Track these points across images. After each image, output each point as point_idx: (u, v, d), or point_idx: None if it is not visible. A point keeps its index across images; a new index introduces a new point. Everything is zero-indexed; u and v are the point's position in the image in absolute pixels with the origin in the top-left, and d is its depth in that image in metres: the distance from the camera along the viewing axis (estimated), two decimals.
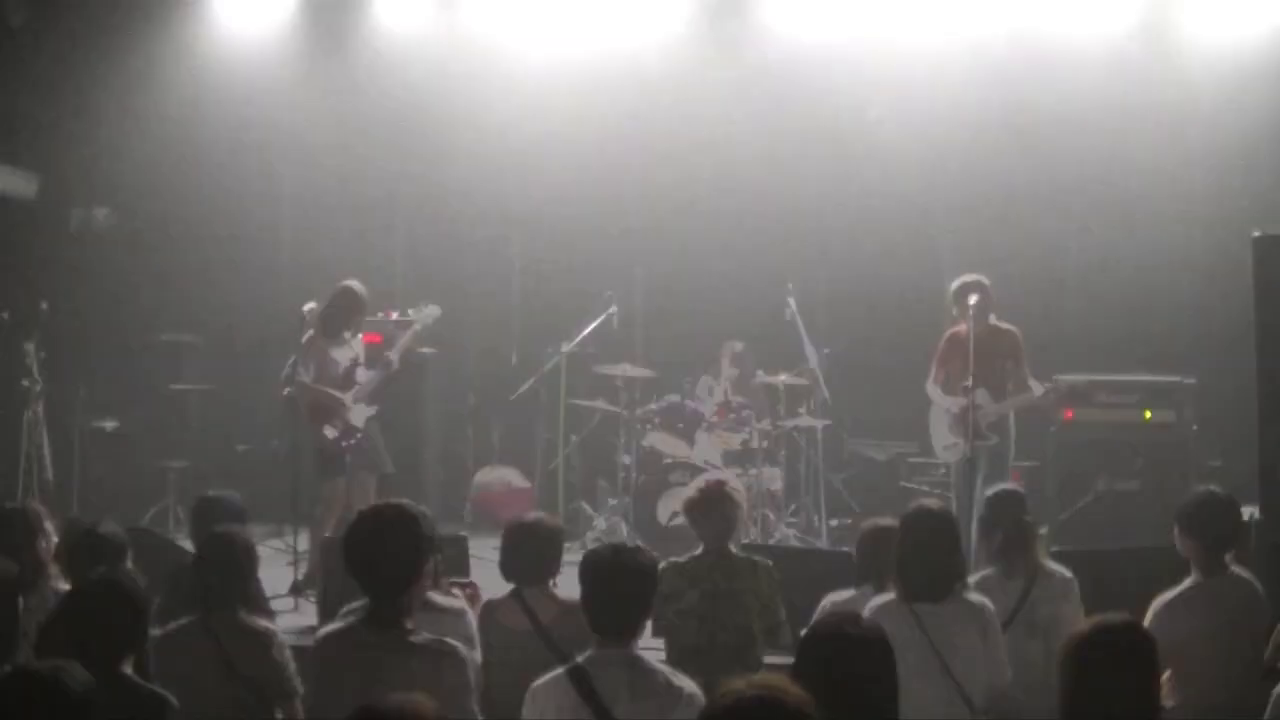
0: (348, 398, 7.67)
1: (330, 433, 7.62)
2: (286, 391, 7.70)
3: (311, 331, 7.67)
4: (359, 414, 7.72)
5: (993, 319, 7.55)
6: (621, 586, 3.72)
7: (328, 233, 10.52)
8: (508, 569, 4.91)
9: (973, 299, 7.38)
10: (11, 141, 9.68)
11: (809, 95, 10.06)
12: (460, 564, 6.28)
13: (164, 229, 10.39)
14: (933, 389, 7.81)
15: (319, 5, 10.28)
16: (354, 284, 7.81)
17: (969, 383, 7.17)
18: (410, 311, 8.37)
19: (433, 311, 8.22)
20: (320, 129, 10.36)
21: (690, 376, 9.51)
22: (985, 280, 7.59)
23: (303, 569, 7.38)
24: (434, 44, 10.35)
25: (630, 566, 3.77)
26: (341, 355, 7.75)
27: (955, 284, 7.71)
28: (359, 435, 7.70)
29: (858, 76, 9.83)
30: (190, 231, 10.36)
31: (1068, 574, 5.06)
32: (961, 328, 7.53)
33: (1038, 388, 7.60)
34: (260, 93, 10.13)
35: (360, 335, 7.97)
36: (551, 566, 4.94)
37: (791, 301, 8.96)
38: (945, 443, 7.76)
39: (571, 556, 4.95)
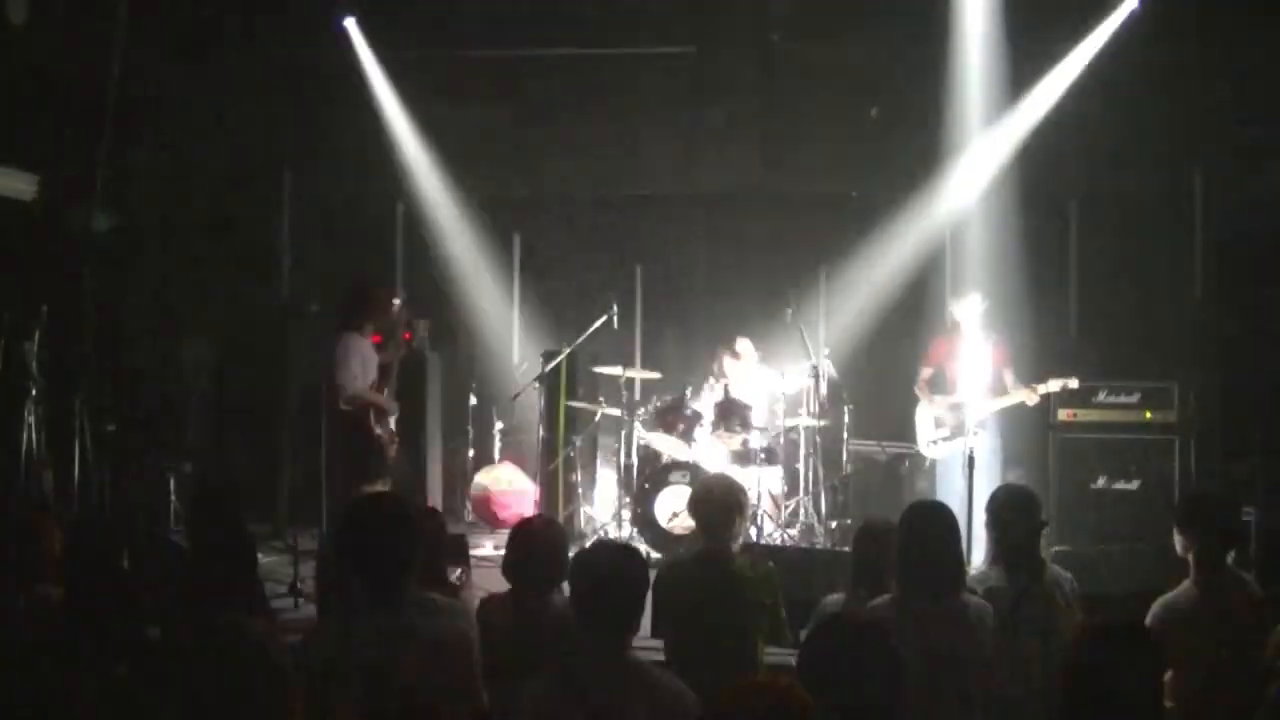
0: (392, 402, 7.63)
1: (383, 434, 7.54)
2: (346, 403, 7.43)
3: (350, 334, 7.50)
4: (394, 417, 7.70)
5: (982, 328, 8.26)
6: (611, 587, 3.67)
7: (328, 233, 10.53)
8: (512, 571, 4.89)
9: (981, 307, 8.21)
10: (11, 141, 9.67)
11: (811, 93, 10.10)
12: (458, 564, 6.26)
13: (164, 229, 10.40)
14: (921, 389, 8.39)
15: (318, 4, 10.30)
16: (365, 279, 7.72)
17: (966, 384, 7.60)
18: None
19: (400, 305, 8.03)
20: (320, 128, 10.38)
21: (692, 380, 9.48)
22: (978, 294, 8.33)
23: (303, 569, 7.36)
24: (435, 44, 10.38)
25: (620, 567, 3.72)
26: (373, 357, 7.64)
27: (961, 299, 8.42)
28: (396, 437, 7.67)
29: (860, 75, 9.88)
30: (190, 232, 10.37)
31: (1066, 574, 5.06)
32: (955, 334, 8.31)
33: (1021, 391, 8.10)
34: (262, 92, 10.14)
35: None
36: (557, 570, 4.92)
37: (792, 302, 8.95)
38: (930, 438, 8.25)
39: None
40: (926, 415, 8.38)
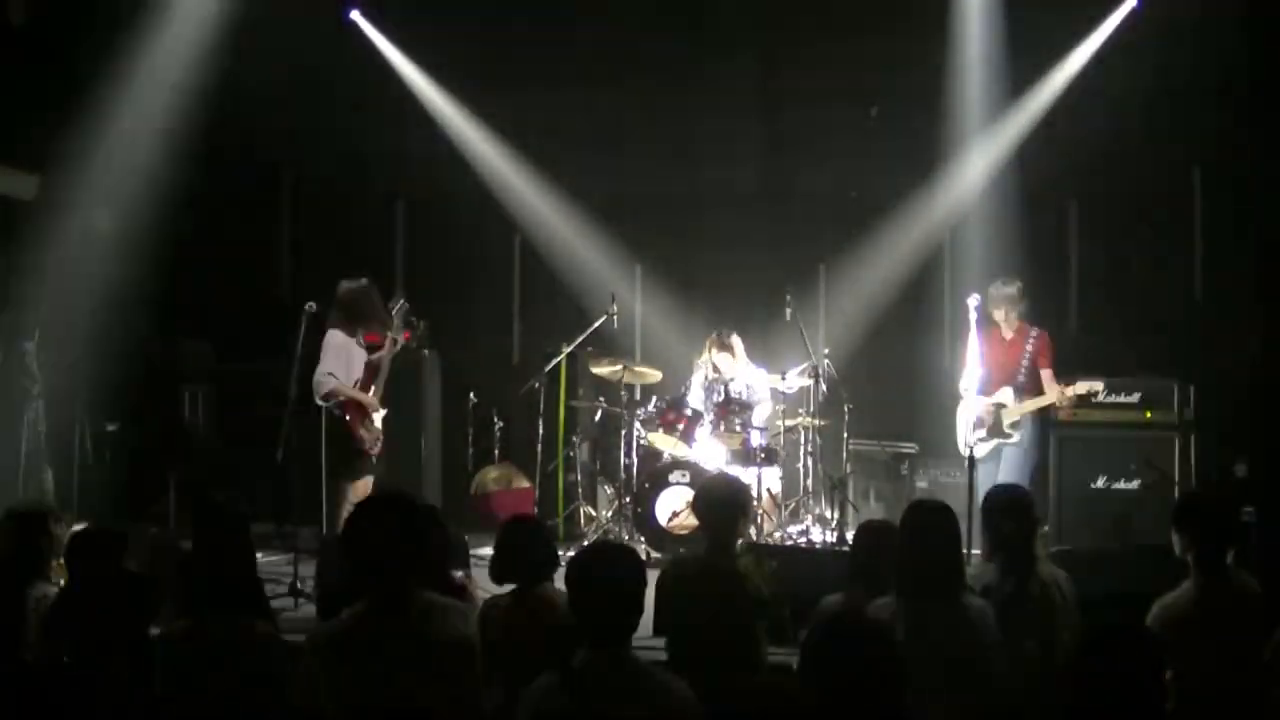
0: (376, 400, 7.61)
1: (365, 435, 7.53)
2: (322, 400, 7.46)
3: (336, 331, 7.53)
4: (379, 416, 7.67)
5: (1022, 321, 8.05)
6: (609, 588, 3.65)
7: (328, 233, 10.54)
8: (499, 571, 4.88)
9: (1016, 301, 8.01)
10: (11, 141, 9.67)
11: (811, 93, 10.11)
12: (460, 564, 6.27)
13: (164, 230, 10.39)
14: (964, 387, 8.10)
15: (318, 4, 10.30)
16: (366, 281, 7.73)
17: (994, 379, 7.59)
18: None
19: (402, 306, 8.03)
20: (320, 128, 10.39)
21: (687, 379, 9.49)
22: (1019, 283, 8.06)
23: (303, 569, 7.36)
24: (434, 42, 10.38)
25: (617, 568, 3.71)
26: (361, 355, 7.64)
27: (995, 286, 8.10)
28: (380, 437, 7.65)
29: (860, 75, 9.89)
30: (189, 232, 10.37)
31: (1063, 573, 5.06)
32: (995, 329, 8.04)
33: (1053, 392, 7.92)
34: (261, 92, 10.14)
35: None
36: (548, 566, 4.93)
37: (791, 302, 8.95)
38: (968, 439, 8.01)
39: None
40: (965, 415, 8.15)
